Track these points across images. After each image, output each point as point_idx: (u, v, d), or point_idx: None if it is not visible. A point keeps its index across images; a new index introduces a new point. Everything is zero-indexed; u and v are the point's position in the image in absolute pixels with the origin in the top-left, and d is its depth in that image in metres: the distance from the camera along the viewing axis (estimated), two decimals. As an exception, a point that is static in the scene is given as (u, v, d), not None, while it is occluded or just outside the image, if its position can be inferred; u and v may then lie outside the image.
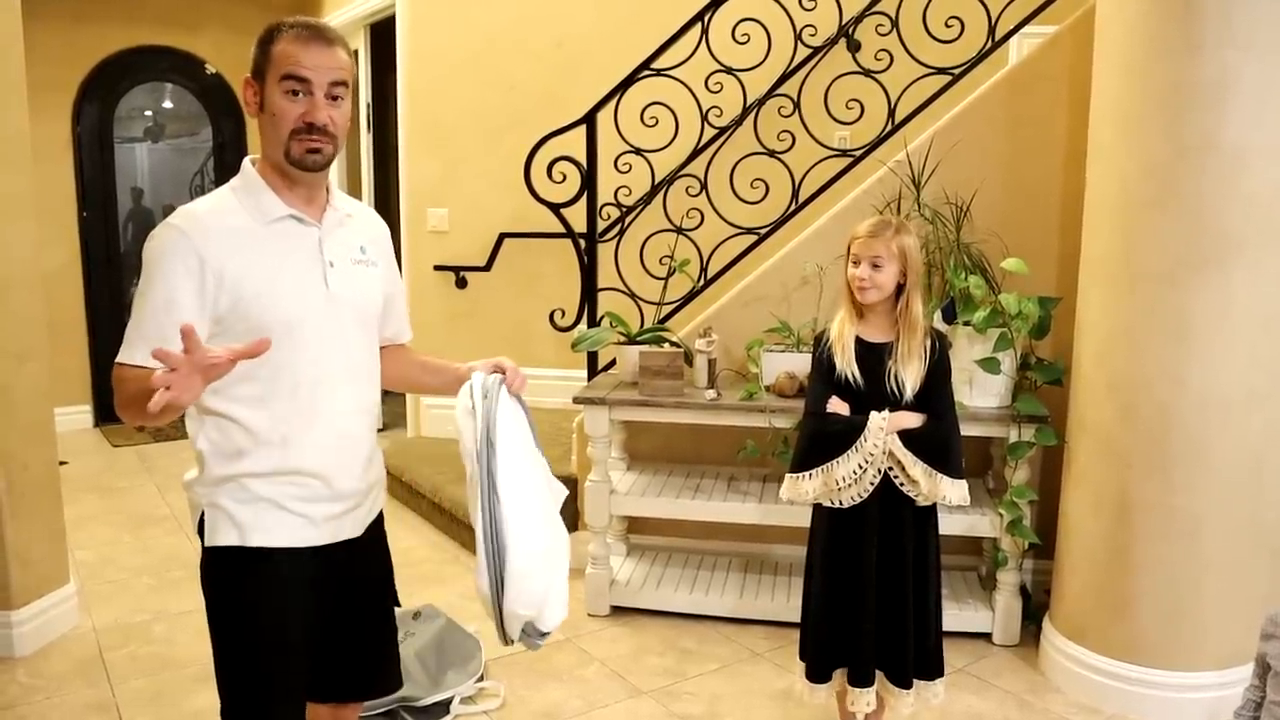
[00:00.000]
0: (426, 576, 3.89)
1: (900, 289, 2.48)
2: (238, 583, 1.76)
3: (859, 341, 2.51)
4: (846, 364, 2.50)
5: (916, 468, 2.44)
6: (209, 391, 1.63)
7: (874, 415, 2.46)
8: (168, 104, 6.82)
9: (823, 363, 2.56)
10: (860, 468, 2.46)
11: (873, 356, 2.50)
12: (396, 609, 2.16)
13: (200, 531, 1.79)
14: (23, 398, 3.29)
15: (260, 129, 1.75)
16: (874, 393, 2.48)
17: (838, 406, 2.51)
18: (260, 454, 1.73)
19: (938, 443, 2.46)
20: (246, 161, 1.80)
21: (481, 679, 3.13)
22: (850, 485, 2.48)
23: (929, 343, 2.49)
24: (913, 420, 2.46)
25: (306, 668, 1.85)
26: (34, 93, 3.37)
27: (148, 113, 6.77)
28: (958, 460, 2.49)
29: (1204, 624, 2.85)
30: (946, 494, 2.46)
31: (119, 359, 1.66)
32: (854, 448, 2.45)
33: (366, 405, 1.89)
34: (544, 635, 1.79)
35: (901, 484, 2.47)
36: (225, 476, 1.74)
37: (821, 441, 2.51)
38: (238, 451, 1.73)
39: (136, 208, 6.71)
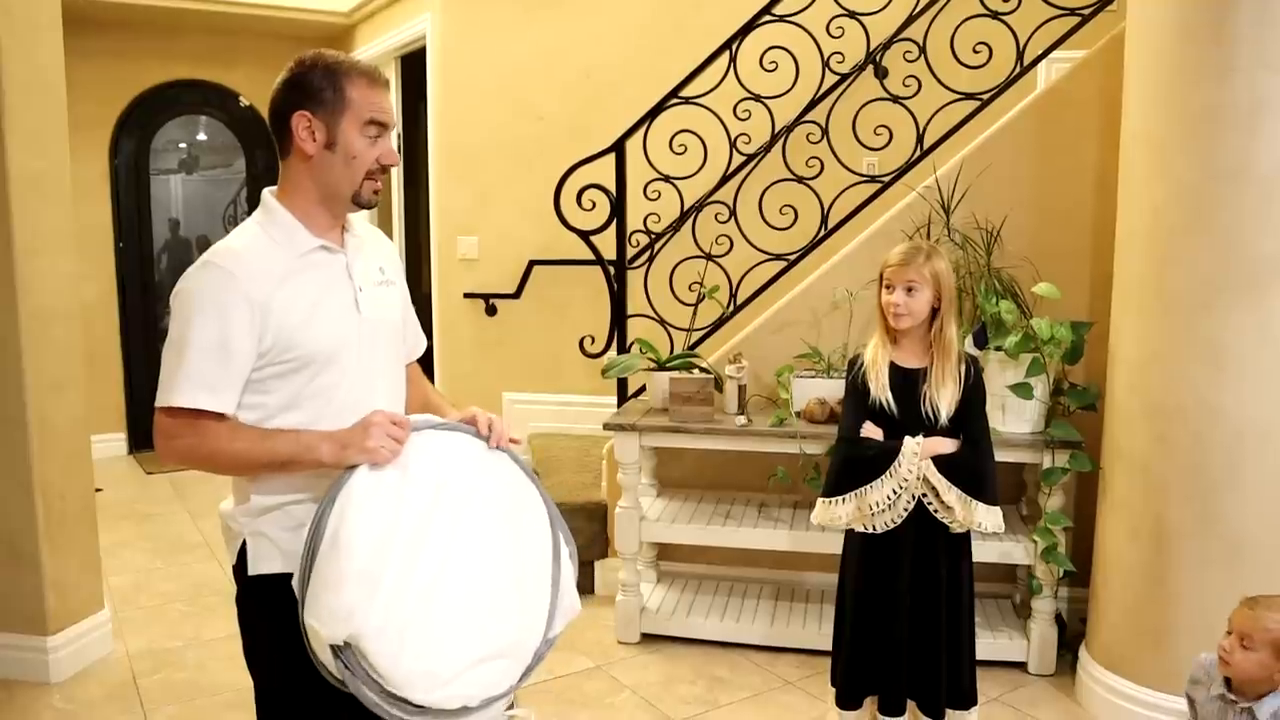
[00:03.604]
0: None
1: (934, 314, 2.47)
2: (282, 609, 1.76)
3: (893, 367, 2.51)
4: (880, 389, 2.49)
5: (951, 493, 2.43)
6: (255, 424, 1.68)
7: (908, 440, 2.45)
8: (202, 136, 6.93)
9: (857, 388, 2.55)
10: (894, 493, 2.45)
11: (907, 382, 2.49)
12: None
13: (240, 561, 1.78)
14: (61, 427, 3.33)
15: (317, 165, 1.75)
16: (908, 418, 2.48)
17: (871, 431, 2.50)
18: (305, 481, 1.73)
19: (972, 468, 2.45)
20: (268, 195, 1.80)
21: (511, 706, 3.10)
22: (884, 510, 2.46)
23: (963, 368, 2.48)
24: (947, 446, 2.45)
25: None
26: (73, 129, 3.44)
27: (182, 145, 6.89)
28: (993, 486, 2.48)
29: (1245, 653, 2.80)
30: (981, 520, 2.44)
31: (171, 403, 1.63)
32: (888, 473, 2.44)
33: None
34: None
35: (935, 510, 2.46)
36: (270, 506, 1.74)
37: (855, 466, 2.51)
38: (284, 479, 1.73)
39: (173, 238, 6.82)
